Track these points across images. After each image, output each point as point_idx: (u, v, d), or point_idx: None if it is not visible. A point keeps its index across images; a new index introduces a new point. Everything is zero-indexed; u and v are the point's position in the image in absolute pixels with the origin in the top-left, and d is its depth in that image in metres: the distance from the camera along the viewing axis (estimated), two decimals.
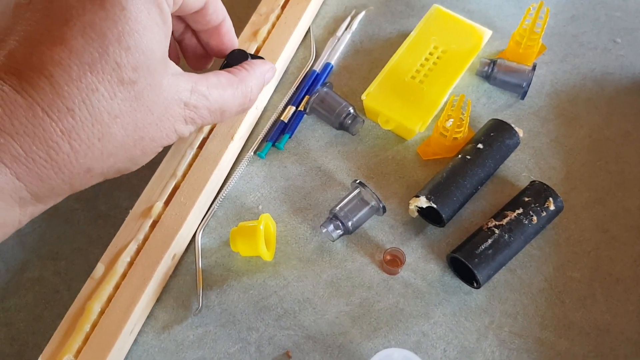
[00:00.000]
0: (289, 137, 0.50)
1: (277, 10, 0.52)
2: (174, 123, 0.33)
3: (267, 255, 0.44)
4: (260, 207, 0.48)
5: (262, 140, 0.50)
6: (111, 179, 0.48)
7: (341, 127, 0.50)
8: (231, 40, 0.42)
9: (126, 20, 0.29)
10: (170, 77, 0.32)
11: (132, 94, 0.30)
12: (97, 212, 0.48)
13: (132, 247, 0.42)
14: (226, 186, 0.48)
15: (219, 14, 0.40)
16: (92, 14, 0.28)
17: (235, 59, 0.48)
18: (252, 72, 0.39)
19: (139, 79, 0.30)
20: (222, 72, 0.37)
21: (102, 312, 0.40)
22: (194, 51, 0.44)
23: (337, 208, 0.45)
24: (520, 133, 0.48)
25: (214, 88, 0.35)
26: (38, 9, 0.29)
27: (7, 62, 0.28)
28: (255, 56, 0.50)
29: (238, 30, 0.53)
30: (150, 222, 0.43)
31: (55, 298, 0.45)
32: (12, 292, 0.45)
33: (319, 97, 0.50)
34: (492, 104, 0.52)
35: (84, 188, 0.32)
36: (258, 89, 0.40)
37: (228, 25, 0.42)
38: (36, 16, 0.28)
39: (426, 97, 0.50)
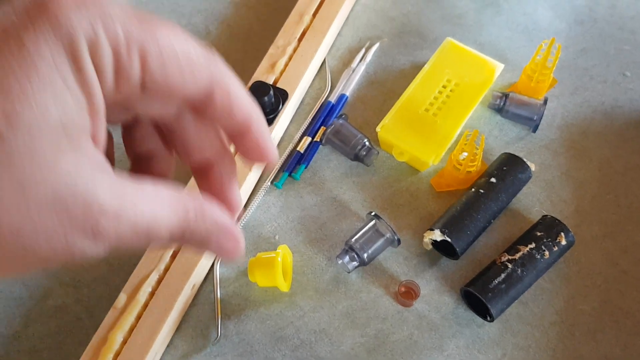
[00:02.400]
0: (305, 168, 0.52)
1: (294, 43, 0.54)
2: (67, 229, 0.21)
3: (284, 286, 0.45)
4: (276, 237, 0.49)
5: (278, 170, 0.51)
6: None
7: (356, 158, 0.51)
8: (263, 148, 0.28)
9: (19, 59, 0.21)
10: (82, 162, 0.22)
11: None
12: None
13: (153, 277, 0.43)
14: (244, 216, 0.49)
15: (239, 115, 0.26)
16: None
17: (257, 90, 0.50)
18: (206, 213, 0.25)
19: (11, 136, 0.20)
20: (162, 182, 0.25)
21: (124, 342, 0.41)
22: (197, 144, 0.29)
23: (353, 240, 0.46)
24: (533, 167, 0.49)
25: (148, 200, 0.23)
26: None
27: None
28: (278, 88, 0.51)
29: (255, 62, 0.54)
30: (170, 252, 0.44)
31: (77, 325, 0.46)
32: (35, 319, 0.46)
33: (334, 129, 0.51)
34: (504, 137, 0.53)
35: None
36: (200, 236, 0.25)
37: (257, 131, 0.27)
38: None
39: (440, 129, 0.51)
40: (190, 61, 0.24)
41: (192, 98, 0.25)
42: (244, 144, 0.28)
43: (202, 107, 0.26)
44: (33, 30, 0.21)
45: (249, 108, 0.27)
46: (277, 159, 0.30)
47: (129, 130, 0.29)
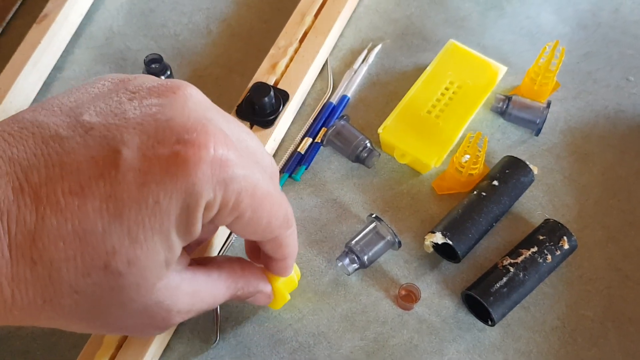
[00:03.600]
0: (306, 169, 0.51)
1: (296, 44, 0.53)
2: (149, 328, 0.32)
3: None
4: None
5: (279, 171, 0.51)
6: None
7: (357, 159, 0.51)
8: (281, 271, 0.39)
9: (150, 215, 0.25)
10: (170, 279, 0.29)
11: (110, 284, 0.26)
12: None
13: None
14: None
15: (280, 255, 0.36)
16: (123, 187, 0.25)
17: (257, 91, 0.49)
18: (251, 283, 0.37)
19: (128, 275, 0.26)
20: (214, 267, 0.34)
21: (119, 346, 0.40)
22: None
23: (353, 242, 0.46)
24: (535, 170, 0.49)
25: (211, 287, 0.33)
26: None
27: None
28: (278, 89, 0.51)
29: (257, 62, 0.54)
30: None
31: None
32: None
33: (335, 130, 0.51)
34: (506, 140, 0.52)
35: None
36: (244, 297, 0.38)
37: (284, 263, 0.38)
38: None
39: (442, 132, 0.50)
40: (268, 228, 0.31)
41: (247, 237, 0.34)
42: (267, 263, 0.38)
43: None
44: (171, 189, 0.25)
45: (290, 256, 0.37)
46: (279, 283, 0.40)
47: None
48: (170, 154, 0.25)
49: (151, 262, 0.26)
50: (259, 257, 0.39)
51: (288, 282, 0.41)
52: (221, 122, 0.28)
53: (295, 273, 0.42)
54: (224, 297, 0.34)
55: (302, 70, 0.52)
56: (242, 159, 0.27)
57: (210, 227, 0.34)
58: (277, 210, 0.31)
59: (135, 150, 0.25)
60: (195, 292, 0.31)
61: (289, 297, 0.42)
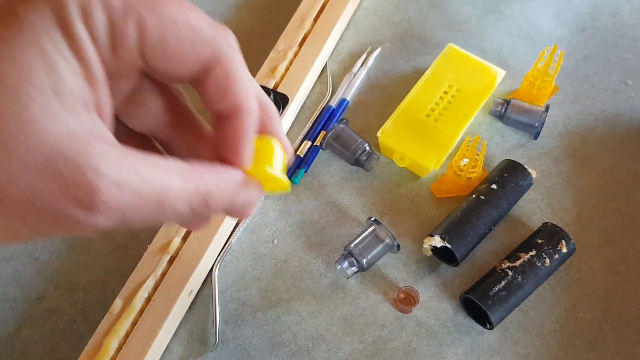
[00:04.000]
0: (305, 172, 0.51)
1: (295, 48, 0.53)
2: (59, 196, 0.20)
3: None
4: (275, 241, 0.49)
5: None
6: None
7: (356, 163, 0.51)
8: (234, 149, 0.25)
9: (7, 25, 0.20)
10: (74, 127, 0.21)
11: None
12: (114, 243, 0.49)
13: (150, 283, 0.42)
14: (243, 220, 0.49)
15: (231, 98, 0.25)
16: None
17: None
18: (220, 174, 0.24)
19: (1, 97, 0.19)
20: (173, 158, 0.23)
21: (119, 348, 0.40)
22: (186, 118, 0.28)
23: (352, 245, 0.46)
24: (534, 174, 0.49)
25: (155, 168, 0.22)
26: None
27: None
28: (278, 93, 0.51)
29: (257, 65, 0.54)
30: (168, 257, 0.44)
31: (71, 329, 0.45)
32: (29, 322, 0.46)
33: (334, 133, 0.51)
34: (505, 143, 0.53)
35: None
36: (224, 200, 0.24)
37: (245, 124, 0.25)
38: None
39: (441, 135, 0.51)
40: (193, 35, 0.23)
41: (192, 71, 0.23)
42: (223, 134, 0.25)
43: (198, 81, 0.24)
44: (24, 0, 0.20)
45: (246, 96, 0.25)
46: (247, 165, 0.25)
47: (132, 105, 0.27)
48: None
49: (27, 85, 0.20)
50: None
51: (267, 156, 0.26)
52: None
53: (277, 146, 0.27)
54: (182, 189, 0.22)
55: (301, 73, 0.53)
56: None
57: (132, 59, 0.23)
58: (197, 15, 0.23)
59: None
60: (124, 162, 0.21)
61: (284, 178, 0.26)
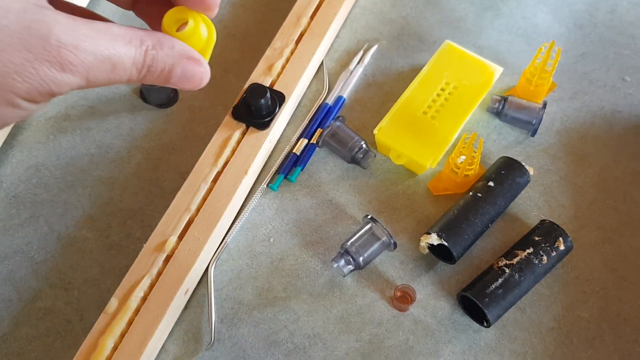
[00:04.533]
0: (301, 170, 0.51)
1: (292, 45, 0.53)
2: (34, 63, 0.24)
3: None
4: (271, 239, 0.48)
5: (274, 172, 0.51)
6: (125, 210, 0.49)
7: (353, 160, 0.51)
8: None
9: None
10: (29, 4, 0.24)
11: None
12: (109, 242, 0.49)
13: (145, 282, 0.42)
14: (239, 219, 0.48)
15: None
16: None
17: (253, 93, 0.49)
18: (164, 43, 0.28)
19: None
20: (117, 24, 0.27)
21: (115, 348, 0.40)
22: None
23: (349, 243, 0.46)
24: (531, 171, 0.49)
25: (102, 34, 0.26)
26: None
27: None
28: (274, 91, 0.51)
29: (253, 63, 0.54)
30: (164, 256, 0.43)
31: (67, 328, 0.45)
32: (24, 321, 0.46)
33: (331, 131, 0.51)
34: (502, 140, 0.52)
35: None
36: (163, 64, 0.28)
37: None
38: None
39: (438, 132, 0.50)
40: None
41: None
42: None
43: None
44: None
45: None
46: (217, 6, 0.30)
47: None
48: None
49: None
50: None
51: (199, 35, 0.30)
52: None
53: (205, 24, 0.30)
54: (128, 51, 0.27)
55: (298, 71, 0.52)
56: None
57: None
58: None
59: None
60: (76, 28, 0.25)
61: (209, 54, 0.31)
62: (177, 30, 0.29)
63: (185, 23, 0.29)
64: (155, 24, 0.32)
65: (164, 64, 0.28)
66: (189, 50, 0.29)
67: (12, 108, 0.25)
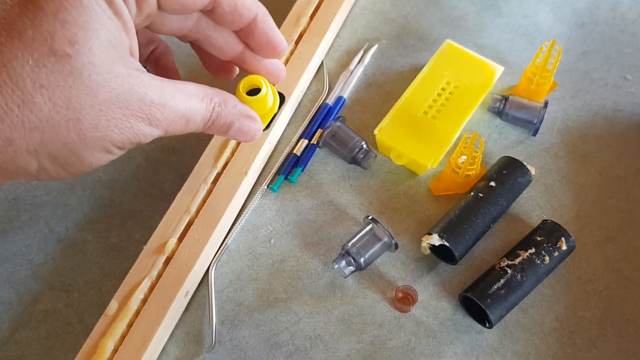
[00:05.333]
0: (302, 171, 0.51)
1: (291, 46, 0.53)
2: (131, 120, 0.29)
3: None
4: (272, 240, 0.48)
5: (275, 173, 0.51)
6: (125, 212, 0.49)
7: (353, 161, 0.50)
8: (271, 38, 0.35)
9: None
10: (130, 69, 0.29)
11: (66, 68, 0.27)
12: (109, 244, 0.48)
13: (145, 284, 0.42)
14: (239, 220, 0.48)
15: (245, 12, 0.33)
16: None
17: (253, 94, 0.49)
18: (228, 101, 0.34)
19: (76, 54, 0.27)
20: (192, 83, 0.33)
21: (115, 351, 0.40)
22: (219, 53, 0.37)
23: (350, 244, 0.46)
24: (533, 171, 0.48)
25: (181, 93, 0.31)
26: None
27: None
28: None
29: None
30: (163, 258, 0.43)
31: (67, 331, 0.45)
32: (24, 323, 0.45)
33: (331, 131, 0.50)
34: (503, 140, 0.52)
35: (16, 174, 0.29)
36: (226, 120, 0.34)
37: (263, 22, 0.35)
38: None
39: (438, 132, 0.50)
40: None
41: (203, 6, 0.32)
42: (254, 39, 0.35)
43: (213, 13, 0.33)
44: None
45: (253, 5, 0.33)
46: (287, 48, 0.37)
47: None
48: None
49: (94, 42, 0.28)
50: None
51: (265, 102, 0.36)
52: None
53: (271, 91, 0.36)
54: (200, 108, 0.32)
55: (298, 72, 0.52)
56: None
57: (152, 10, 0.31)
58: None
59: None
60: (165, 89, 0.30)
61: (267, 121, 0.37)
62: (248, 93, 0.35)
63: (257, 88, 0.35)
64: (207, 64, 0.39)
65: (226, 119, 0.33)
66: (248, 110, 0.34)
67: (106, 154, 0.30)
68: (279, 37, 0.36)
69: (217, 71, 0.39)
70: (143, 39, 0.38)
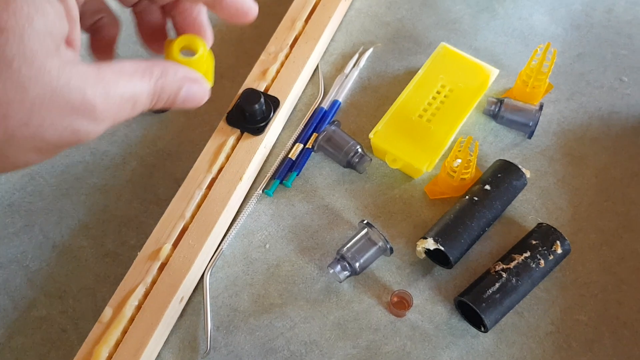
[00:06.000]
0: (297, 175, 0.51)
1: (286, 50, 0.53)
2: (72, 117, 0.27)
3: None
4: (267, 245, 0.48)
5: (270, 178, 0.51)
6: (119, 217, 0.49)
7: (348, 165, 0.50)
8: (199, 24, 0.35)
9: None
10: (67, 60, 0.27)
11: None
12: (104, 250, 0.48)
13: (140, 291, 0.42)
14: (234, 225, 0.48)
15: None
16: None
17: (248, 98, 0.49)
18: (169, 69, 0.31)
19: (5, 44, 0.24)
20: (126, 60, 0.30)
21: (109, 357, 0.40)
22: (152, 24, 0.36)
23: (345, 249, 0.46)
24: (528, 174, 0.48)
25: (121, 75, 0.29)
26: None
27: None
28: (269, 96, 0.51)
29: (247, 68, 0.53)
30: (158, 264, 0.43)
31: (62, 337, 0.45)
32: (19, 330, 0.45)
33: (326, 136, 0.50)
34: (499, 143, 0.52)
35: None
36: (173, 90, 0.31)
37: (199, 9, 0.34)
38: None
39: (433, 136, 0.50)
40: None
41: None
42: (222, 8, 0.33)
43: None
44: None
45: None
46: (256, 13, 0.35)
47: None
48: None
49: (27, 29, 0.25)
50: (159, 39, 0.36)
51: (203, 63, 0.34)
52: None
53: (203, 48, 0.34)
54: (143, 87, 0.30)
55: (292, 76, 0.52)
56: None
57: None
58: None
59: None
60: (103, 76, 0.28)
61: (212, 79, 0.35)
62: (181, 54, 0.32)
63: (188, 49, 0.33)
64: (143, 29, 0.36)
65: (171, 89, 0.31)
66: (190, 72, 0.32)
67: (39, 154, 0.27)
68: (205, 27, 0.35)
69: (150, 39, 0.36)
70: (90, 7, 0.34)
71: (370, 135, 0.50)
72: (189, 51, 0.33)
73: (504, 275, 0.43)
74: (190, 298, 0.46)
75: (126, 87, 0.28)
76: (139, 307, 0.42)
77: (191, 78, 0.32)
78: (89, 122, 0.27)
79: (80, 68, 0.27)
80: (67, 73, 0.26)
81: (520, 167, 0.48)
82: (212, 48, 0.59)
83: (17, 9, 0.25)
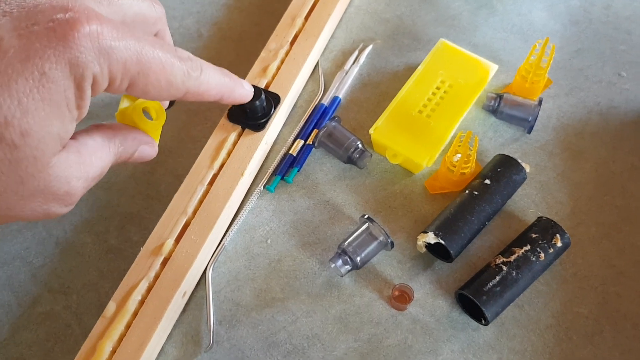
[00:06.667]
0: (298, 171, 0.51)
1: (286, 47, 0.53)
2: (51, 205, 0.30)
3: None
4: (269, 241, 0.48)
5: (271, 174, 0.51)
6: (122, 214, 0.49)
7: (349, 160, 0.51)
8: (237, 102, 0.40)
9: (39, 87, 0.26)
10: (65, 158, 0.29)
11: (7, 157, 0.26)
12: (107, 246, 0.49)
13: (143, 286, 0.42)
14: (236, 221, 0.48)
15: (208, 98, 0.36)
16: (6, 62, 0.25)
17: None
18: (127, 137, 0.35)
19: (23, 146, 0.26)
20: (94, 131, 0.33)
21: (113, 351, 0.40)
22: None
23: (346, 243, 0.46)
24: (527, 168, 0.48)
25: (91, 154, 0.32)
26: None
27: None
28: (270, 92, 0.51)
29: (248, 65, 0.54)
30: (161, 259, 0.44)
31: (66, 333, 0.45)
32: (23, 326, 0.46)
33: (327, 131, 0.51)
34: (498, 138, 0.52)
35: None
36: (127, 153, 0.35)
37: (229, 99, 0.38)
38: None
39: (433, 131, 0.50)
40: (169, 86, 0.31)
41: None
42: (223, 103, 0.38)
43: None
44: (54, 60, 0.26)
45: (216, 94, 0.36)
46: (251, 96, 0.40)
47: None
48: (46, 30, 0.26)
49: (45, 134, 0.27)
50: None
51: (155, 123, 0.38)
52: (88, 1, 0.29)
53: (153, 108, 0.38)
54: (109, 159, 0.33)
55: (293, 72, 0.52)
56: (119, 30, 0.28)
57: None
58: (171, 69, 0.31)
59: (10, 31, 0.26)
60: (84, 160, 0.30)
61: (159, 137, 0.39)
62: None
63: (146, 110, 0.37)
64: None
65: (127, 153, 0.35)
66: (145, 138, 0.36)
67: (6, 222, 0.30)
68: (245, 96, 0.39)
69: None
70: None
71: (371, 131, 0.50)
72: (146, 111, 0.37)
73: (505, 268, 0.44)
74: (192, 293, 0.46)
75: (97, 164, 0.31)
76: (142, 302, 0.42)
77: (144, 141, 0.36)
78: (64, 206, 0.30)
79: (67, 157, 0.29)
80: (59, 166, 0.29)
81: (520, 161, 0.48)
82: (214, 46, 0.60)
83: (44, 118, 0.26)
